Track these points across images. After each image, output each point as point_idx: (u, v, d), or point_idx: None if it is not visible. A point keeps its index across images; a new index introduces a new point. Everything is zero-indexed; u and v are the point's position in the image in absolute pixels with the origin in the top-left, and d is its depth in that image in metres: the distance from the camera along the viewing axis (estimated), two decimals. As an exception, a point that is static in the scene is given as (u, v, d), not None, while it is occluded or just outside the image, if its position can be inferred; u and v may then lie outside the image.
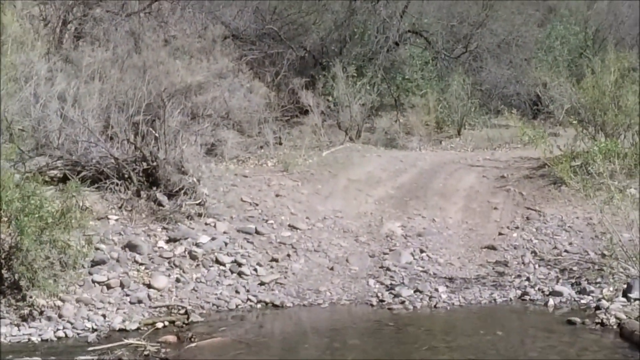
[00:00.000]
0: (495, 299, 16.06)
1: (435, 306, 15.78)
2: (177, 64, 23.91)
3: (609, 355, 13.11)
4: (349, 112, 27.47)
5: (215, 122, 23.21)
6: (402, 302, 15.90)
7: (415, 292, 16.37)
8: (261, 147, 24.34)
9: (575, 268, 17.35)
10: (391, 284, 16.76)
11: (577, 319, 14.51)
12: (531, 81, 30.88)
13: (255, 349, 13.54)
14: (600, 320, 14.37)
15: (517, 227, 19.69)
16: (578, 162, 20.53)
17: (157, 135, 19.29)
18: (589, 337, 13.80)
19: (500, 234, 19.47)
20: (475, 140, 29.31)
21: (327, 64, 29.64)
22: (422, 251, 18.37)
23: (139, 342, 13.38)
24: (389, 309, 15.68)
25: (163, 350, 13.20)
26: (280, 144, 25.09)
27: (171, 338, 13.80)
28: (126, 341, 13.42)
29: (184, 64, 24.26)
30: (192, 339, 13.72)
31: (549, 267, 17.57)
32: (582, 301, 15.72)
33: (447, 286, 16.68)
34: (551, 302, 15.74)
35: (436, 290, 16.42)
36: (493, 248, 18.60)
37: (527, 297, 16.10)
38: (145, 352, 13.09)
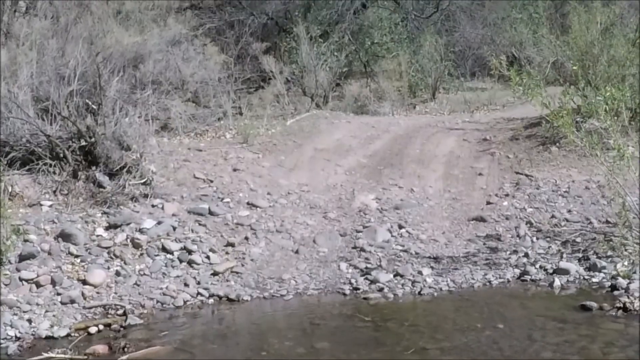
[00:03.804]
0: (490, 281, 13.06)
1: (419, 293, 12.74)
2: (126, 33, 20.66)
3: (643, 351, 10.02)
4: (314, 77, 24.20)
5: (167, 92, 20.01)
6: (380, 290, 12.90)
7: (395, 276, 13.36)
8: (219, 119, 21.08)
9: (578, 240, 14.42)
10: (366, 268, 13.71)
11: (593, 304, 11.52)
12: (506, 41, 28.09)
13: (200, 359, 10.40)
14: (622, 305, 11.38)
15: (507, 195, 16.74)
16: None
17: (94, 107, 16.12)
18: (611, 328, 10.80)
19: (488, 203, 16.54)
20: (451, 104, 26.44)
21: (291, 30, 26.44)
22: (400, 227, 15.32)
23: (60, 357, 10.52)
24: (364, 298, 12.63)
25: None
26: (241, 114, 21.84)
27: (101, 348, 10.78)
28: (45, 355, 10.52)
29: (134, 33, 21.02)
30: (126, 349, 10.73)
31: (548, 239, 14.60)
32: (594, 280, 12.88)
33: (432, 268, 13.66)
34: (557, 282, 12.75)
35: (420, 273, 13.38)
36: (482, 219, 15.62)
37: (527, 277, 13.11)
38: None
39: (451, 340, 10.57)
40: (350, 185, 17.43)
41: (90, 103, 16.37)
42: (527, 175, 17.49)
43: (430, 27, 29.35)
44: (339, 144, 19.70)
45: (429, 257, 14.08)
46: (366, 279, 13.23)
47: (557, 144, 18.51)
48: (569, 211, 15.65)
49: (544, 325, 11.00)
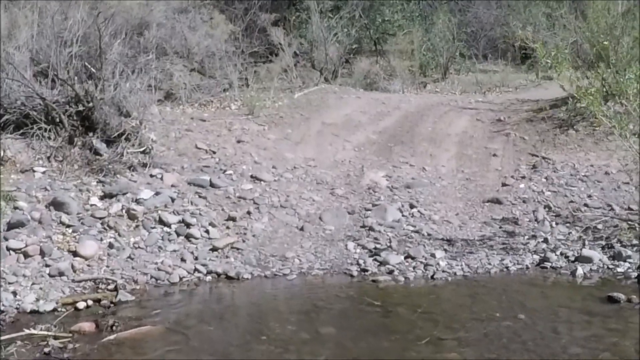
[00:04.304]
0: (507, 267, 11.96)
1: (432, 277, 11.65)
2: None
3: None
4: (324, 50, 22.99)
5: (173, 62, 18.83)
6: (390, 272, 11.81)
7: (406, 258, 12.27)
8: (225, 90, 19.88)
9: (600, 227, 13.29)
10: (375, 248, 12.61)
11: (621, 296, 10.43)
12: (520, 23, 26.90)
13: (195, 342, 9.34)
14: (652, 297, 10.25)
15: (523, 177, 15.65)
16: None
17: (93, 70, 14.96)
18: (642, 322, 9.62)
19: (504, 184, 15.42)
20: (462, 84, 25.16)
21: (301, 3, 25.19)
22: (412, 206, 14.20)
23: (42, 333, 9.43)
24: (373, 280, 11.53)
25: (71, 345, 9.18)
26: (247, 86, 20.59)
27: (87, 326, 9.73)
28: (26, 332, 9.47)
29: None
30: (114, 327, 9.68)
31: (568, 225, 13.49)
32: (618, 269, 11.82)
33: (445, 250, 12.55)
34: (580, 270, 11.66)
35: (432, 255, 12.26)
36: (498, 202, 14.49)
37: (547, 264, 12.02)
38: (47, 349, 9.07)
39: (468, 330, 9.45)
40: (359, 162, 16.32)
41: (89, 66, 15.16)
42: (544, 158, 16.40)
43: (444, 6, 28.12)
44: (348, 119, 18.55)
45: (442, 239, 12.98)
46: (375, 260, 12.15)
47: (575, 127, 17.46)
48: (589, 196, 14.55)
49: (569, 318, 9.92)
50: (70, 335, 9.39)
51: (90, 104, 14.57)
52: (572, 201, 14.36)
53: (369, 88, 23.37)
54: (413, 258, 12.14)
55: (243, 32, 23.42)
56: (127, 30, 16.96)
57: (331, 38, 23.63)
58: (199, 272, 11.78)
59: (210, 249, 12.44)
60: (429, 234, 13.14)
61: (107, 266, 11.68)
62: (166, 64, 18.20)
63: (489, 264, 11.95)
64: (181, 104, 18.66)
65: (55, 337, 9.30)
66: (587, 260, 11.89)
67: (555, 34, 25.28)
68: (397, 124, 18.57)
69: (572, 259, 12.06)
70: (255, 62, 23.63)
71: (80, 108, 14.66)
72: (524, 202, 14.45)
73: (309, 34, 24.08)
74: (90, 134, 14.60)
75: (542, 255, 12.17)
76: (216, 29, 20.89)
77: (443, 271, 11.70)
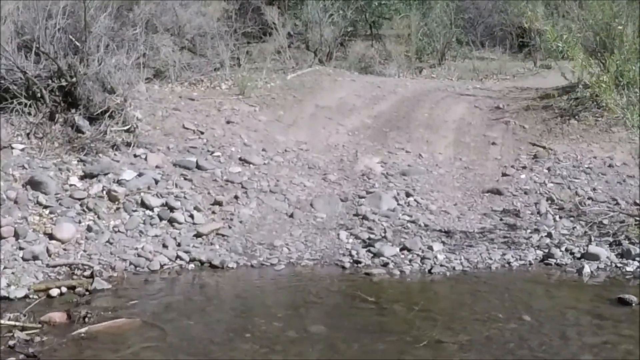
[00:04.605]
0: (509, 262, 11.11)
1: (429, 271, 10.79)
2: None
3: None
4: (319, 31, 22.03)
5: (161, 38, 17.89)
6: (385, 265, 10.96)
7: (401, 250, 11.39)
8: (216, 70, 18.87)
9: (605, 222, 12.38)
10: (369, 239, 11.74)
11: (633, 298, 9.60)
12: (517, 11, 26.03)
13: (173, 339, 8.46)
14: (667, 301, 9.42)
15: (524, 167, 14.78)
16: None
17: (77, 44, 14.00)
18: (658, 328, 8.77)
19: (504, 174, 14.55)
20: (459, 70, 24.12)
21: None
22: (408, 194, 13.31)
23: (10, 324, 8.61)
24: (366, 274, 10.67)
25: (39, 338, 8.33)
26: (239, 65, 19.58)
27: (58, 316, 8.90)
28: None
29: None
30: (87, 319, 8.84)
31: (572, 219, 12.64)
32: (627, 268, 11.00)
33: (443, 243, 11.67)
34: (587, 268, 10.84)
35: (430, 248, 11.39)
36: (498, 192, 13.62)
37: (552, 261, 11.17)
38: (12, 341, 8.23)
39: (470, 332, 8.58)
40: (353, 147, 15.40)
41: (74, 39, 14.19)
42: (544, 148, 15.51)
43: (442, -10, 27.11)
44: (342, 102, 17.60)
45: (440, 231, 12.10)
46: (369, 251, 11.28)
47: (577, 117, 16.58)
48: (594, 189, 13.69)
49: (578, 320, 9.08)
50: (40, 326, 8.58)
51: (74, 79, 13.63)
52: (576, 194, 13.48)
53: (364, 72, 22.44)
54: (409, 250, 11.26)
55: (236, 10, 22.47)
56: (114, 4, 15.94)
57: (326, 19, 22.62)
58: (181, 259, 10.95)
59: (194, 235, 11.59)
60: (426, 225, 12.26)
61: (85, 251, 10.90)
62: (154, 40, 17.19)
63: (490, 258, 11.09)
64: (170, 82, 17.70)
65: (23, 328, 8.49)
66: (594, 257, 11.05)
67: (554, 23, 24.54)
68: (392, 108, 17.63)
69: (578, 255, 11.20)
70: (248, 42, 22.71)
71: (63, 83, 13.72)
72: (525, 193, 13.59)
73: (304, 15, 23.10)
74: (73, 111, 13.68)
75: (546, 250, 11.31)
76: (208, 7, 19.92)
77: (441, 265, 10.84)
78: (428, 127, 16.56)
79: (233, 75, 18.23)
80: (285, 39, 21.64)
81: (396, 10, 25.95)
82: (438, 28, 25.35)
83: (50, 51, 13.76)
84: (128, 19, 17.15)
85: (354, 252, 11.21)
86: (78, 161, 12.91)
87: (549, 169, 14.54)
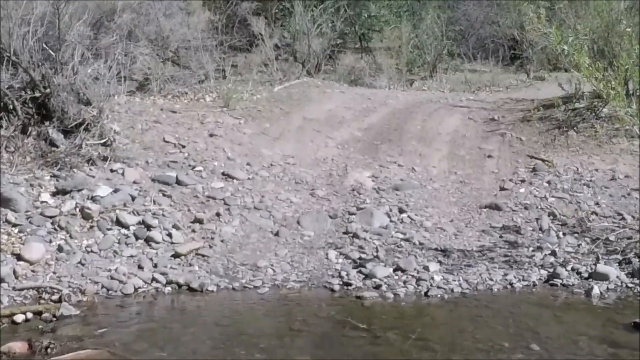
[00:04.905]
0: (512, 283, 10.10)
1: (426, 294, 9.78)
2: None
3: None
4: (308, 42, 21.08)
5: (140, 47, 16.96)
6: (377, 287, 9.96)
7: (395, 270, 10.39)
8: (201, 82, 17.88)
9: (612, 238, 11.38)
10: (360, 259, 10.74)
11: (650, 323, 8.48)
12: (509, 22, 25.28)
13: (141, 373, 7.38)
14: (688, 327, 8.45)
15: (522, 181, 13.82)
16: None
17: (51, 53, 13.07)
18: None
19: (502, 188, 13.59)
20: (450, 83, 23.14)
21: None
22: (401, 210, 12.32)
23: None
24: (357, 297, 9.68)
25: None
26: (224, 77, 18.60)
27: (19, 346, 8.04)
28: None
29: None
30: (49, 349, 7.96)
31: (576, 235, 11.68)
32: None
33: (440, 262, 10.68)
34: (596, 289, 9.83)
35: (425, 268, 10.37)
36: (497, 208, 12.65)
37: (557, 281, 10.17)
38: None
39: (473, 364, 7.57)
40: (342, 160, 14.42)
41: (47, 47, 13.22)
42: (543, 161, 14.57)
43: (433, 1, 26.18)
44: (331, 114, 16.63)
45: (436, 249, 11.10)
46: (360, 272, 10.28)
47: (575, 128, 15.71)
48: (597, 204, 12.73)
49: (591, 350, 8.09)
50: (-2, 357, 7.60)
51: (47, 90, 12.70)
52: (579, 208, 12.50)
53: (353, 84, 21.48)
54: (403, 271, 10.26)
55: (222, 21, 21.52)
56: (89, 11, 14.96)
57: (314, 30, 21.67)
58: (158, 282, 9.97)
59: (172, 255, 10.63)
60: (421, 243, 11.26)
61: (54, 272, 9.96)
62: (132, 49, 16.20)
63: (491, 279, 10.10)
64: (152, 94, 16.73)
65: (-21, 361, 7.54)
66: (603, 277, 10.06)
67: (547, 33, 23.77)
68: (383, 121, 16.66)
69: (586, 275, 10.21)
70: (235, 54, 21.75)
71: (37, 94, 12.81)
72: (525, 208, 12.62)
73: (292, 25, 22.11)
74: (47, 123, 12.79)
75: (551, 270, 10.33)
76: (193, 16, 18.98)
77: (438, 287, 9.84)
78: (421, 140, 15.62)
79: (218, 88, 17.26)
80: (272, 50, 20.68)
81: (386, 22, 25.00)
82: (429, 40, 24.42)
83: (23, 61, 12.76)
84: (109, 29, 16.23)
85: (343, 273, 10.22)
86: (51, 176, 12.03)
87: (549, 182, 13.60)
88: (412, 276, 10.13)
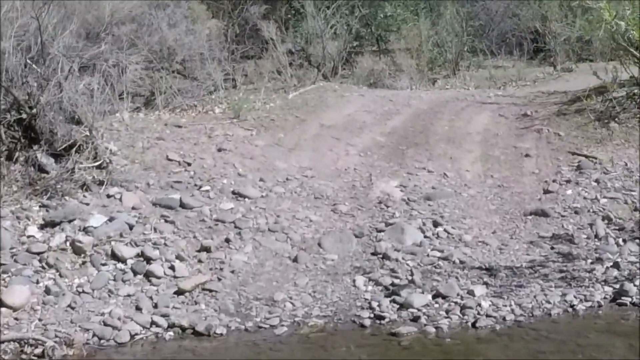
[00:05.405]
0: (573, 305, 8.38)
1: (474, 325, 8.05)
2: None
3: None
4: (322, 44, 19.39)
5: (151, 63, 15.41)
6: (415, 319, 8.24)
7: (435, 297, 8.64)
8: (210, 93, 16.22)
9: (682, 243, 9.49)
10: (393, 284, 8.98)
11: None
12: (530, 14, 23.70)
13: None
14: None
15: (568, 181, 12.03)
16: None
17: (35, 68, 11.50)
18: None
19: (546, 191, 11.81)
20: (475, 79, 21.41)
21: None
22: (436, 224, 10.58)
23: None
24: (392, 334, 7.96)
25: None
26: (235, 87, 16.91)
27: None
28: None
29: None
30: None
31: (637, 241, 9.99)
32: None
33: (486, 284, 8.91)
34: (675, 310, 7.89)
35: (470, 293, 8.61)
36: (543, 214, 10.93)
37: (626, 300, 8.48)
38: None
39: None
40: (365, 169, 12.66)
41: (32, 63, 11.60)
42: (587, 157, 12.80)
43: (451, -2, 24.57)
44: (351, 119, 14.88)
45: (480, 268, 9.34)
46: (393, 301, 8.55)
47: (617, 119, 13.95)
48: (655, 202, 10.91)
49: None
50: None
51: (34, 110, 11.06)
52: (635, 209, 10.74)
53: (373, 87, 19.77)
54: (444, 297, 8.52)
55: (230, 27, 19.91)
56: (85, 23, 13.37)
57: (328, 30, 19.99)
58: (158, 325, 8.32)
59: (175, 292, 8.95)
60: (461, 262, 9.50)
61: (40, 320, 8.35)
62: (123, 60, 14.57)
63: (548, 302, 8.36)
64: (158, 109, 15.11)
65: None
66: (680, 291, 8.28)
67: (571, 24, 22.29)
68: (408, 123, 14.91)
69: (660, 291, 8.43)
70: (245, 59, 20.12)
71: (23, 116, 11.14)
72: (575, 213, 10.87)
73: (304, 28, 20.42)
74: (35, 147, 11.14)
75: (617, 286, 8.61)
76: (197, 24, 17.34)
77: (487, 316, 8.12)
78: (450, 142, 13.87)
79: (228, 98, 15.59)
80: (285, 56, 19.00)
81: (404, 20, 23.29)
82: (449, 37, 22.76)
83: (3, 79, 11.14)
84: (105, 42, 14.65)
85: (374, 304, 8.50)
86: (40, 206, 10.41)
87: (597, 181, 11.83)
88: (456, 303, 8.39)
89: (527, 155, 13.16)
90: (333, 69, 20.03)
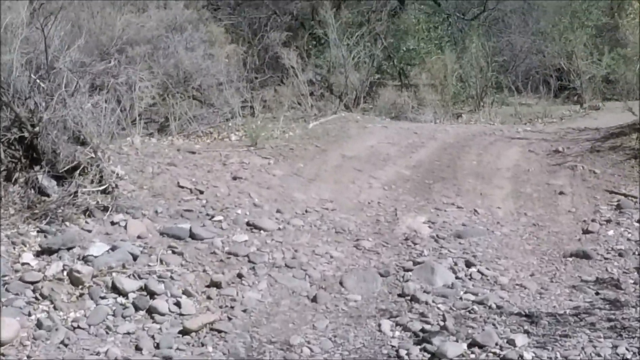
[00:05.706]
0: (626, 359, 7.17)
1: (515, 380, 6.81)
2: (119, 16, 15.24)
3: None
4: (345, 73, 18.52)
5: (167, 89, 14.58)
6: (449, 371, 6.99)
7: (470, 347, 7.46)
8: (227, 120, 15.39)
9: None
10: (423, 330, 7.85)
11: None
12: (555, 52, 23.10)
13: None
14: None
15: (608, 221, 11.04)
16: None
17: (41, 84, 10.64)
18: None
19: (586, 231, 10.78)
20: (500, 115, 20.56)
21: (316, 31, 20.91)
22: (469, 264, 9.52)
23: None
24: (424, 387, 6.74)
25: None
26: (253, 115, 16.02)
27: None
28: None
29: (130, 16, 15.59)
30: None
31: (690, 287, 8.72)
32: None
33: (527, 333, 7.75)
34: None
35: (510, 343, 7.46)
36: (585, 256, 9.86)
37: (686, 354, 7.22)
38: None
39: None
40: (390, 204, 11.68)
41: (36, 78, 10.69)
42: (626, 196, 11.81)
43: (476, 29, 23.84)
44: (374, 151, 13.98)
45: (519, 315, 8.23)
46: (424, 349, 7.42)
47: (655, 157, 12.99)
48: (703, 244, 9.90)
49: None
50: None
51: (36, 128, 10.16)
52: (685, 253, 9.73)
53: (395, 119, 18.93)
54: (482, 347, 7.39)
55: (250, 56, 19.08)
56: (95, 41, 12.48)
57: (351, 59, 19.10)
58: (159, 370, 7.22)
59: (180, 332, 7.85)
60: (498, 307, 8.41)
61: (28, 357, 7.28)
62: (132, 75, 13.72)
63: (598, 354, 7.24)
64: (171, 135, 14.24)
65: None
66: None
67: (597, 62, 21.69)
68: (433, 156, 14.03)
69: None
70: (264, 88, 19.28)
71: (25, 134, 10.22)
72: (620, 255, 9.80)
73: (327, 55, 19.58)
74: (37, 168, 10.22)
75: (674, 338, 7.49)
76: (215, 46, 16.51)
77: (530, 370, 7.02)
78: (479, 177, 12.94)
79: (245, 126, 14.70)
80: (305, 84, 18.11)
81: (427, 52, 22.46)
82: (473, 71, 21.95)
83: (5, 93, 10.26)
84: (118, 61, 13.81)
85: (403, 352, 7.40)
86: (38, 232, 9.42)
87: (640, 221, 10.79)
88: (494, 354, 7.28)
89: (561, 193, 12.22)
90: (355, 99, 19.23)
